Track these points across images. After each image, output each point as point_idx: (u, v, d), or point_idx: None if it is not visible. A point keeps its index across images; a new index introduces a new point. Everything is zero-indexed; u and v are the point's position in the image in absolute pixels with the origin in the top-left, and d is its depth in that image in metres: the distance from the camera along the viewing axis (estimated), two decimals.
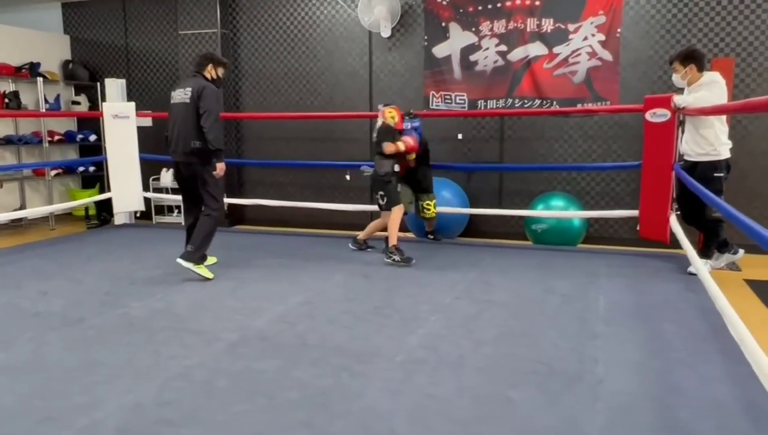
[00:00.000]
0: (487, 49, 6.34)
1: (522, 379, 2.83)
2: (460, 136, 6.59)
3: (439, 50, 6.52)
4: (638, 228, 5.50)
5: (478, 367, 2.97)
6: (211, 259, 4.93)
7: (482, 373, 2.91)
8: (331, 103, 7.03)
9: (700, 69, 4.64)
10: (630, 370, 2.92)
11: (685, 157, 4.82)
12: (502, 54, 6.30)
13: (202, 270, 4.63)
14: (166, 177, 7.54)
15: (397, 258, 5.02)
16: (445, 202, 6.09)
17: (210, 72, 4.74)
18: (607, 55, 5.97)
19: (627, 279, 4.63)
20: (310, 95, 7.17)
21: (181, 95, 4.60)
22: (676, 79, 4.78)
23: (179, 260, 4.58)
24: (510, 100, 6.33)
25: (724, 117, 4.60)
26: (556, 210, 5.85)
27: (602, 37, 5.94)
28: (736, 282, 4.67)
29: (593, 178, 6.24)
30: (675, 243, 5.05)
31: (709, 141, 4.57)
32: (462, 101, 6.50)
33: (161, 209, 7.78)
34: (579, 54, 6.05)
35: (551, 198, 5.99)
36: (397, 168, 5.22)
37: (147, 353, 3.14)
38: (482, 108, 6.42)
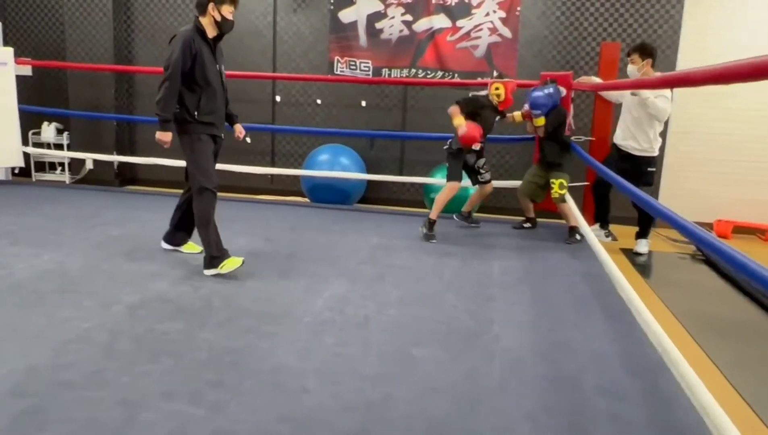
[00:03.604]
0: (393, 17, 6.39)
1: (424, 338, 2.97)
2: (363, 104, 6.63)
3: (345, 15, 6.48)
4: None
5: (383, 327, 3.08)
6: (236, 261, 3.76)
7: (387, 332, 3.02)
8: (232, 63, 6.79)
9: (653, 66, 4.92)
10: (522, 329, 3.15)
11: (621, 148, 5.13)
12: (408, 24, 6.38)
13: (226, 268, 3.72)
14: (48, 131, 7.01)
15: (424, 230, 4.97)
16: (344, 168, 6.17)
17: (212, 13, 3.71)
18: (506, 32, 6.21)
19: (520, 247, 4.93)
20: None
21: None
22: (632, 69, 4.97)
23: (205, 271, 3.80)
24: (414, 70, 6.44)
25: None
26: None
27: (503, 14, 6.17)
28: (614, 250, 5.11)
29: (489, 151, 6.49)
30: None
31: (649, 138, 4.96)
32: (366, 68, 6.53)
33: (42, 166, 7.23)
34: (481, 29, 6.25)
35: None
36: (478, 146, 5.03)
37: (38, 316, 2.98)
38: (386, 76, 6.48)
